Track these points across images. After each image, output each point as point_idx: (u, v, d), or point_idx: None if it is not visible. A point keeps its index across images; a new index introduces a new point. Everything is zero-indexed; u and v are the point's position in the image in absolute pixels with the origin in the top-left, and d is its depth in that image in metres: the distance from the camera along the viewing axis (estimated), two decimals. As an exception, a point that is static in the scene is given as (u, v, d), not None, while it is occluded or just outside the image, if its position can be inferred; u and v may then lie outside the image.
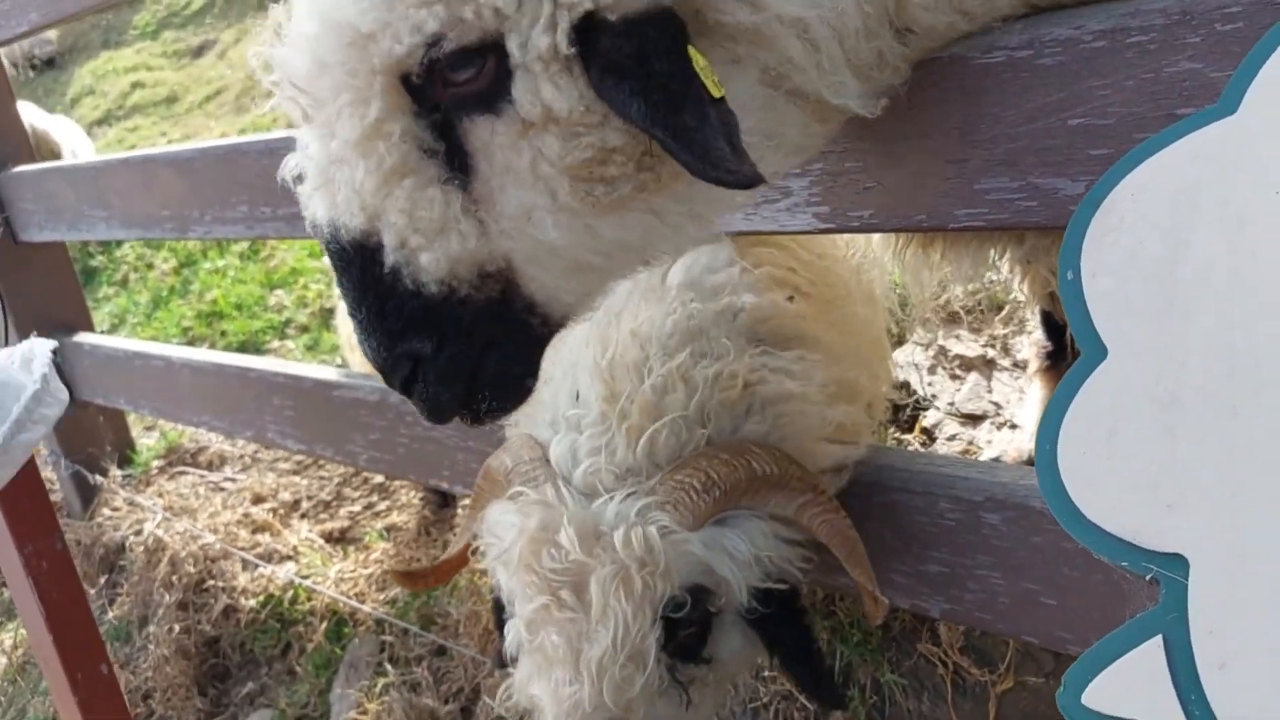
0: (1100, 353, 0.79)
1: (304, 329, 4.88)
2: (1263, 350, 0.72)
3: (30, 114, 8.08)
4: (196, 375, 3.09)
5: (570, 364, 1.52)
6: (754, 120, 1.11)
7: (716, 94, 1.02)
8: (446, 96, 1.05)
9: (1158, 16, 1.07)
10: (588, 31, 1.00)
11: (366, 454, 2.55)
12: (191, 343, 5.23)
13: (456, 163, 1.07)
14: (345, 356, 2.80)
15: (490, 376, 1.15)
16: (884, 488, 1.54)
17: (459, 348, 1.11)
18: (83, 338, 3.66)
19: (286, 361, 2.81)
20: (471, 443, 2.24)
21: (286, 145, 2.33)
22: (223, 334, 5.17)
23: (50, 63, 14.57)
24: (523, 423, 1.57)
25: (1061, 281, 0.82)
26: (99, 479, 3.72)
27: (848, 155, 1.38)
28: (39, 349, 1.82)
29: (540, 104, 1.02)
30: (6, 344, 2.04)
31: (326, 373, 2.60)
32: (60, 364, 3.74)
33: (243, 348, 5.00)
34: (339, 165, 1.07)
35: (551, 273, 1.12)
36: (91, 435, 3.85)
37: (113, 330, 5.74)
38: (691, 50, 1.02)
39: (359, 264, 1.09)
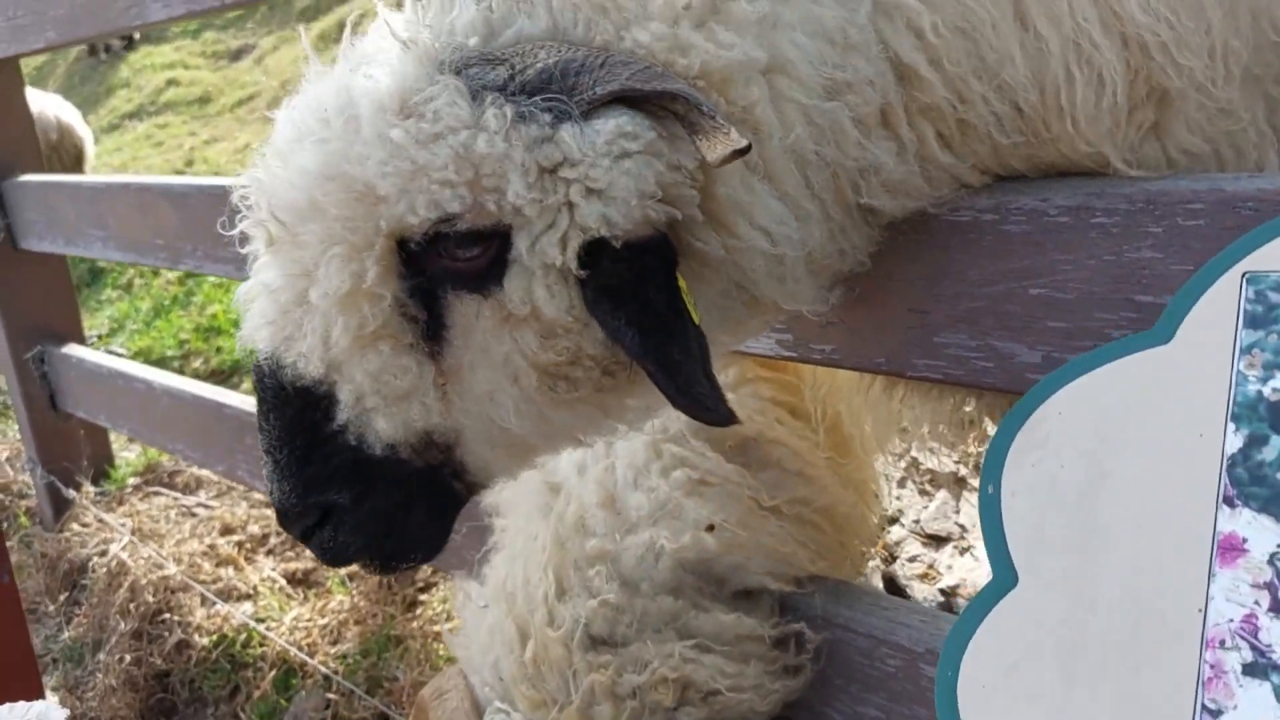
0: (1011, 578, 0.76)
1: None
2: (1171, 605, 0.69)
3: (56, 106, 8.19)
4: (175, 403, 3.07)
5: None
6: (712, 324, 1.11)
7: (696, 320, 1.02)
8: (438, 267, 1.03)
9: (1122, 201, 1.05)
10: (590, 249, 0.99)
11: (330, 506, 2.53)
12: (186, 356, 5.23)
13: (433, 333, 1.06)
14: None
15: (408, 533, 1.14)
16: (830, 623, 1.51)
17: (381, 502, 1.09)
18: (71, 349, 3.66)
19: (262, 402, 2.79)
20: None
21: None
22: (218, 350, 5.17)
23: (130, 43, 14.74)
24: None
25: (982, 495, 0.80)
26: (72, 493, 3.69)
27: (815, 288, 1.36)
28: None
29: (530, 302, 1.01)
30: None
31: (299, 420, 2.58)
32: (47, 372, 3.75)
33: (235, 367, 5.00)
34: (310, 313, 1.03)
35: (494, 449, 1.11)
36: (71, 446, 3.84)
37: (111, 334, 5.75)
38: (678, 276, 1.03)
39: (295, 407, 1.05)
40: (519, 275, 1.01)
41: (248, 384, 4.85)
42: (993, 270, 1.17)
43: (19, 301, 3.68)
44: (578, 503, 1.37)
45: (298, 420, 1.05)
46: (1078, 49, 1.04)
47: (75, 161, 8.61)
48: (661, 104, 0.95)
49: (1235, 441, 0.71)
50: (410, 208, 0.97)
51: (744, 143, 0.89)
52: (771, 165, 1.04)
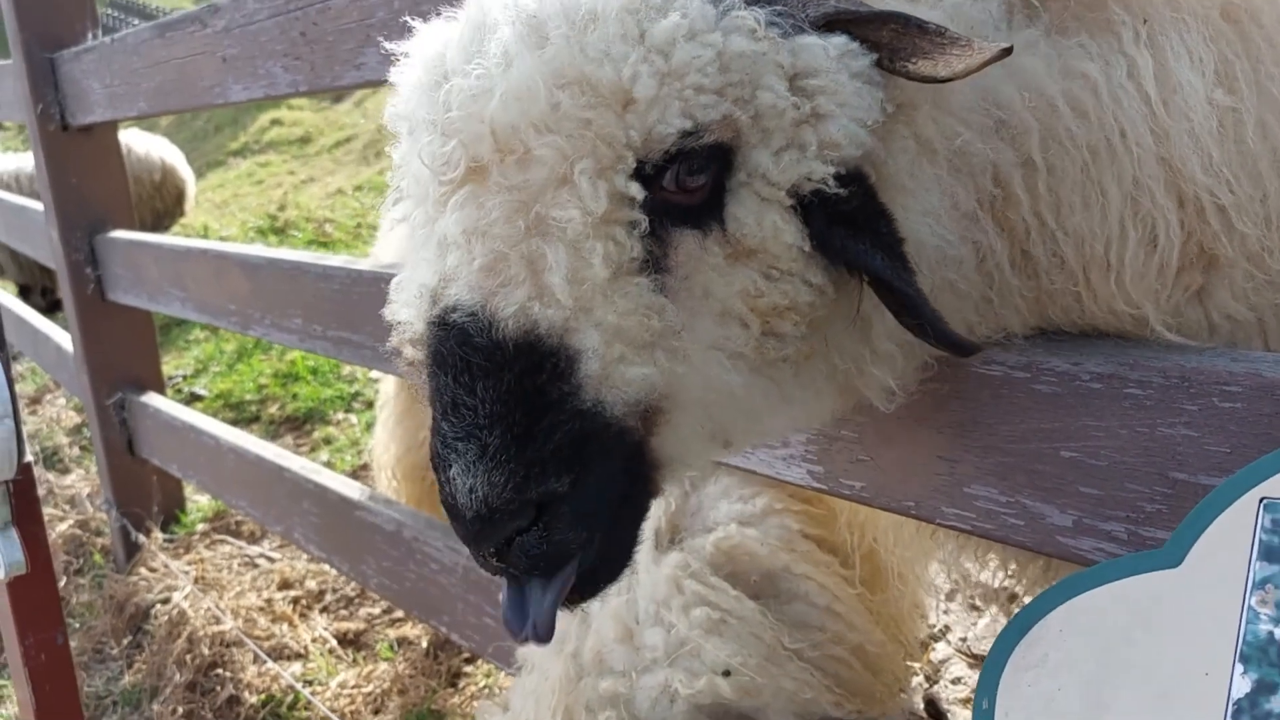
0: (999, 807, 0.72)
1: (369, 404, 4.96)
2: None
3: (161, 149, 8.56)
4: (240, 461, 3.15)
5: None
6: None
7: None
8: (658, 199, 0.90)
9: (1156, 374, 1.00)
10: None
11: (377, 578, 2.55)
12: (264, 401, 5.37)
13: (653, 265, 0.92)
14: (376, 476, 2.83)
15: (625, 528, 0.98)
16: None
17: (605, 484, 0.92)
18: (150, 398, 3.79)
19: (319, 468, 2.84)
20: (471, 595, 2.22)
21: (343, 272, 2.38)
22: (294, 396, 5.30)
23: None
24: None
25: (976, 709, 0.76)
26: (142, 538, 3.80)
27: (845, 423, 1.33)
28: None
29: (762, 231, 0.91)
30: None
31: (352, 489, 2.63)
32: (126, 418, 3.89)
33: (310, 414, 5.11)
34: (549, 247, 0.87)
35: (701, 422, 0.98)
36: (145, 490, 3.96)
37: (196, 375, 5.93)
38: None
39: (515, 371, 0.87)
40: (750, 202, 0.91)
41: (321, 431, 4.96)
42: (1024, 428, 1.13)
43: (105, 349, 3.83)
44: (595, 636, 1.35)
45: (518, 386, 0.87)
46: (1135, 205, 1.00)
47: (176, 201, 8.99)
48: (868, 35, 0.90)
49: (1242, 685, 0.67)
50: (663, 115, 0.86)
51: (999, 47, 0.81)
52: (928, 146, 0.99)
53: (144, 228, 8.28)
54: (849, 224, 0.93)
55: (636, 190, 0.88)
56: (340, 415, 5.08)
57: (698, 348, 0.93)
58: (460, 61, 0.93)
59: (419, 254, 0.98)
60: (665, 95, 0.86)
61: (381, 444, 2.61)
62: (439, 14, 1.17)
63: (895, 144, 0.95)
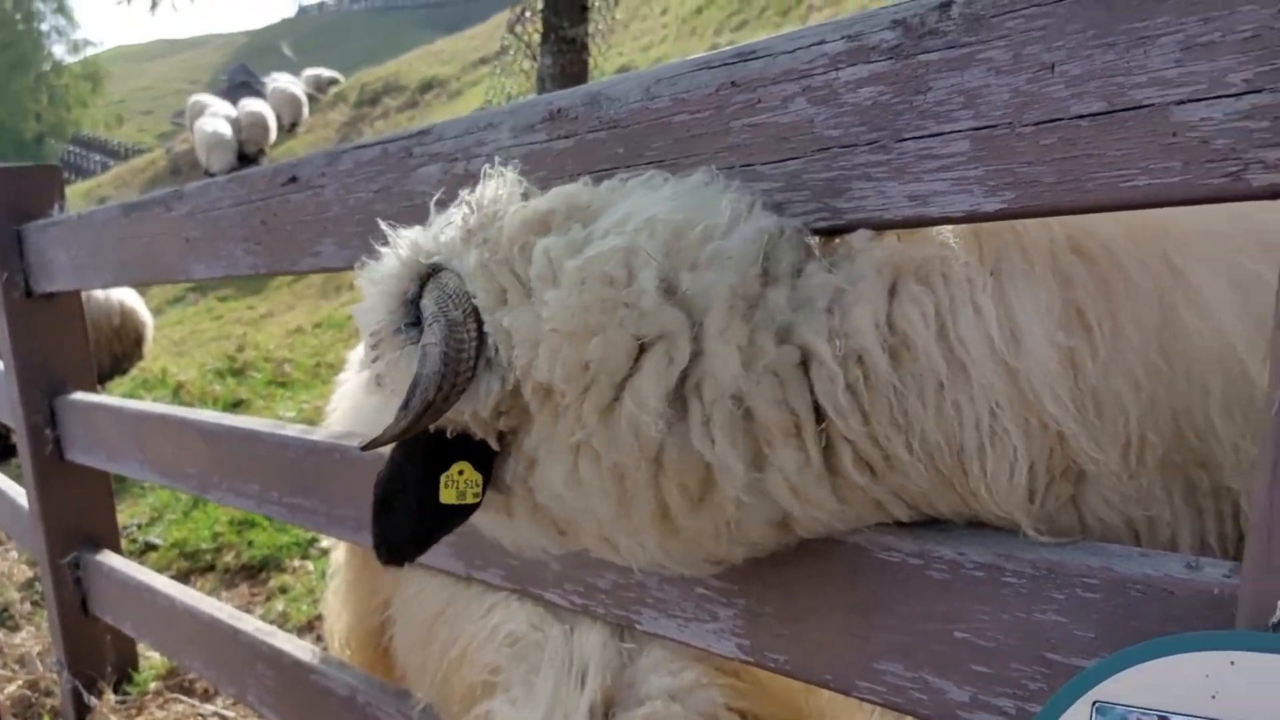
0: None
1: (325, 551, 4.97)
2: None
3: (120, 293, 8.66)
4: (195, 622, 3.16)
5: None
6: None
7: (447, 499, 1.28)
8: None
9: (1028, 566, 1.13)
10: None
11: (332, 743, 2.57)
12: (219, 549, 5.35)
13: None
14: (330, 642, 2.85)
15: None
16: None
17: None
18: (105, 556, 3.79)
19: (274, 630, 2.87)
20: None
21: (298, 442, 2.47)
22: (249, 544, 5.29)
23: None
24: None
25: None
26: (94, 700, 3.75)
27: (767, 599, 1.43)
28: None
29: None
30: None
31: (306, 652, 2.66)
32: (80, 577, 3.88)
33: (265, 562, 5.10)
34: None
35: None
36: (98, 649, 3.92)
37: (151, 523, 5.90)
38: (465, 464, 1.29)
39: None
40: None
41: (277, 580, 4.94)
42: (921, 610, 1.24)
43: (61, 508, 3.85)
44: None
45: None
46: (992, 432, 1.13)
47: (135, 344, 9.06)
48: None
49: None
50: None
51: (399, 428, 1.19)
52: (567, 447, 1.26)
53: (102, 372, 8.33)
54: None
55: None
56: (296, 562, 5.08)
57: None
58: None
59: None
60: None
61: (334, 612, 2.66)
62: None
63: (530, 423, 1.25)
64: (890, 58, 1.14)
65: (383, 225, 1.37)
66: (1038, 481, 1.14)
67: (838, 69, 1.19)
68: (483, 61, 22.63)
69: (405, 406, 1.17)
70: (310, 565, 5.00)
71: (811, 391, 1.17)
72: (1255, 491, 0.88)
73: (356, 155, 2.00)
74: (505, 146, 1.66)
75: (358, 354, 1.35)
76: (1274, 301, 0.88)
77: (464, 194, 1.31)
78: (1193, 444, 1.12)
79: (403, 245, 1.29)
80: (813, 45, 1.21)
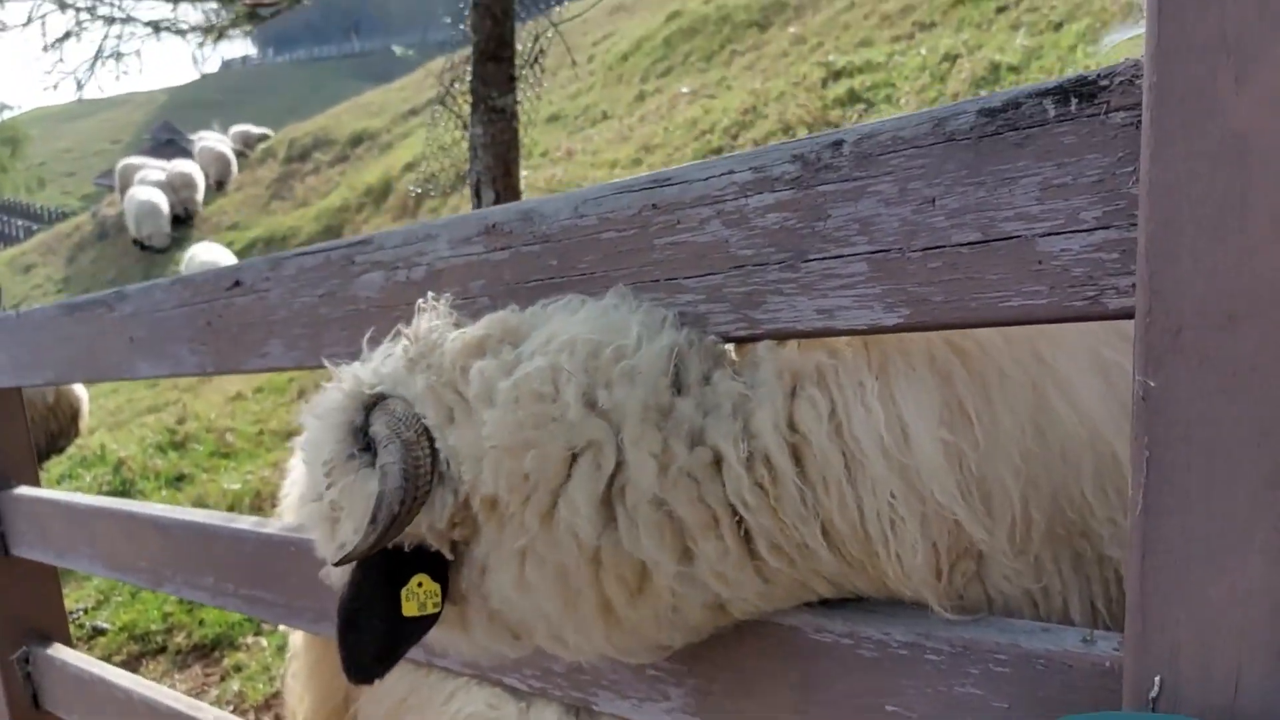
0: None
1: (277, 628, 4.95)
2: None
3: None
4: (152, 714, 3.15)
5: None
6: None
7: (409, 612, 1.35)
8: None
9: (945, 644, 1.23)
10: None
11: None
12: (170, 630, 5.29)
13: None
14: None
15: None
16: None
17: None
18: (55, 650, 3.75)
19: (233, 718, 2.88)
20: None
21: (254, 535, 2.51)
22: (200, 623, 5.24)
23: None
24: None
25: None
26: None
27: (715, 678, 1.52)
28: None
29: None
30: None
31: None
32: (31, 672, 3.84)
33: (217, 641, 5.06)
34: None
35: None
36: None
37: (97, 607, 5.82)
38: (424, 576, 1.36)
39: None
40: None
41: (231, 658, 4.91)
42: (855, 685, 1.34)
43: (8, 604, 3.80)
44: None
45: None
46: (892, 520, 1.25)
47: (71, 419, 8.90)
48: None
49: None
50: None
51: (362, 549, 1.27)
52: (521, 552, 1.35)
53: (39, 451, 8.17)
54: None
55: None
56: (250, 639, 5.05)
57: None
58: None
59: None
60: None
61: (295, 695, 2.69)
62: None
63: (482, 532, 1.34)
64: (792, 188, 1.26)
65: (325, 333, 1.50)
66: (942, 561, 1.26)
67: (747, 196, 1.30)
68: (413, 113, 22.72)
69: (374, 521, 1.25)
70: (264, 641, 4.97)
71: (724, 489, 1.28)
72: (1128, 577, 1.00)
73: (300, 262, 2.07)
74: (444, 256, 1.75)
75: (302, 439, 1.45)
76: (1131, 390, 1.00)
77: (401, 328, 1.41)
78: (1072, 518, 1.25)
79: (345, 379, 1.38)
80: (724, 175, 1.33)
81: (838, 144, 1.21)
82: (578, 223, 1.52)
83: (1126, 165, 0.99)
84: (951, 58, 10.04)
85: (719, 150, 11.01)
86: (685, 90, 13.64)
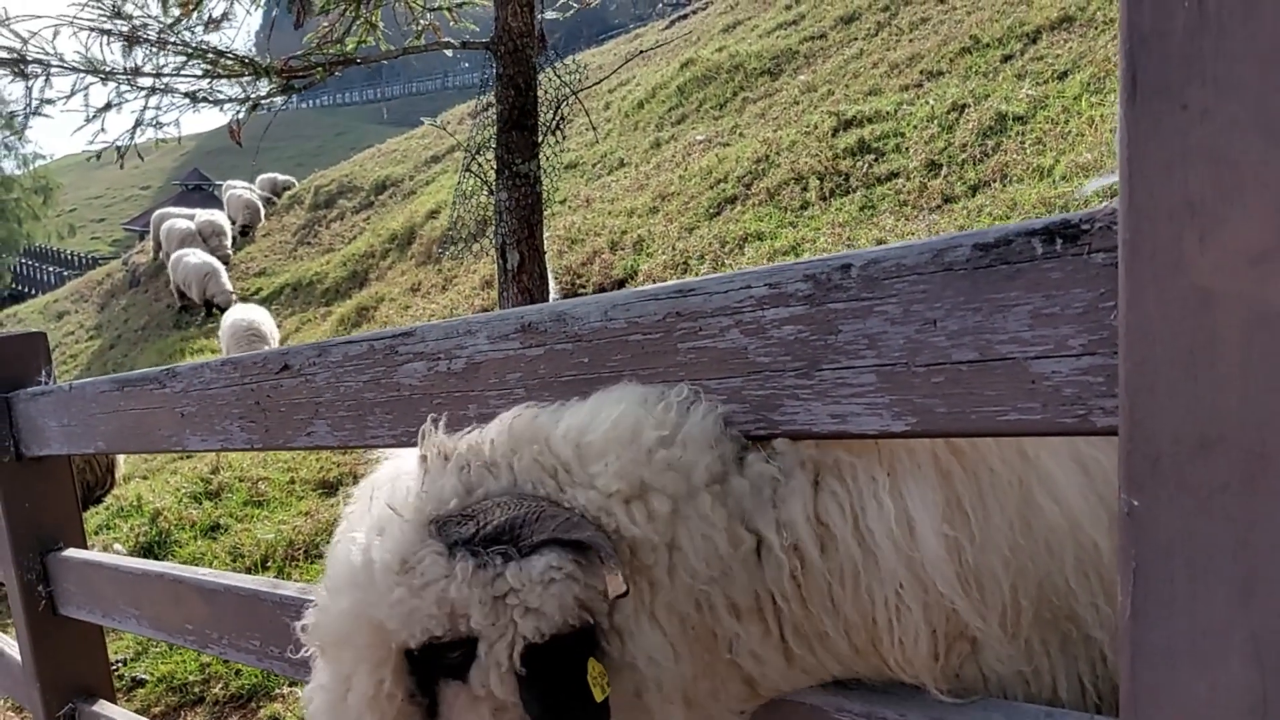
0: None
1: (315, 679, 5.05)
2: None
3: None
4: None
5: None
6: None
7: (599, 698, 1.31)
8: (434, 663, 1.36)
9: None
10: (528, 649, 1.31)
11: None
12: (207, 681, 5.39)
13: (432, 712, 1.38)
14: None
15: None
16: None
17: None
18: (100, 706, 3.87)
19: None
20: None
21: (299, 601, 2.62)
22: (237, 673, 5.34)
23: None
24: None
25: None
26: None
27: (742, 752, 1.62)
28: None
29: (486, 686, 1.33)
30: None
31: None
32: (75, 729, 3.96)
33: (254, 691, 5.16)
34: (347, 710, 1.38)
35: None
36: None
37: (137, 658, 5.94)
38: (591, 660, 1.32)
39: None
40: (481, 668, 1.33)
41: (268, 709, 5.01)
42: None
43: (56, 662, 3.94)
44: None
45: None
46: (898, 608, 1.34)
47: (107, 470, 9.10)
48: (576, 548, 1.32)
49: None
50: (410, 634, 1.32)
51: (622, 589, 1.25)
52: (657, 609, 1.35)
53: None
54: (530, 676, 1.33)
55: (391, 679, 1.35)
56: (286, 689, 5.15)
57: None
58: (326, 583, 1.45)
59: None
60: (411, 623, 1.32)
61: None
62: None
63: (618, 601, 1.34)
64: (805, 304, 1.37)
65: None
66: (939, 646, 1.36)
67: (763, 309, 1.42)
68: (434, 160, 23.08)
69: (607, 555, 1.29)
70: (299, 691, 5.07)
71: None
72: (1121, 675, 1.09)
73: (345, 349, 2.20)
74: (483, 350, 1.88)
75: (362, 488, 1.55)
76: (1118, 505, 1.09)
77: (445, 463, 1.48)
78: (1057, 604, 1.35)
79: (415, 507, 1.41)
80: (742, 289, 1.44)
81: (846, 267, 1.32)
82: (607, 325, 1.64)
83: (1108, 300, 1.09)
84: (959, 107, 10.17)
85: (734, 200, 11.16)
86: (700, 138, 13.84)
